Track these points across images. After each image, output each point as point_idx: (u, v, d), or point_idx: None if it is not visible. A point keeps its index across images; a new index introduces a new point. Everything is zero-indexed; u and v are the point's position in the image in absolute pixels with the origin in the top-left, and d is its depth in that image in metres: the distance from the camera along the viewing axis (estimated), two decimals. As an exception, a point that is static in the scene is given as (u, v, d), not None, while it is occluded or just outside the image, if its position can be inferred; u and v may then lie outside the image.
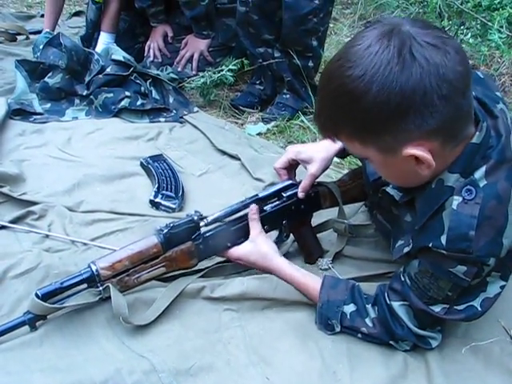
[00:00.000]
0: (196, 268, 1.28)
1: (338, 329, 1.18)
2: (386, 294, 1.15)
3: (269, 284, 1.24)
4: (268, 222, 1.34)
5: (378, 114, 0.90)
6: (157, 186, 1.67)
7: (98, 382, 1.03)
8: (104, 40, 2.55)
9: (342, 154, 1.37)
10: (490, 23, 2.28)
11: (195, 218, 1.23)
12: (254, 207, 1.30)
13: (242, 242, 1.30)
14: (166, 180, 1.70)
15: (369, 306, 1.17)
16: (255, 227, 1.30)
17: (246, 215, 1.31)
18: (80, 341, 1.12)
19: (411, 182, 1.06)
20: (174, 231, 1.21)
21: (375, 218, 1.33)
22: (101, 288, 1.14)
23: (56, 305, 1.12)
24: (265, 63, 2.33)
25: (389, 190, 1.14)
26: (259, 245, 1.28)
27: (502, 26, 2.19)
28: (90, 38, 2.64)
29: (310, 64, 2.30)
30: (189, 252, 1.23)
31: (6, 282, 1.22)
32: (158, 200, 1.61)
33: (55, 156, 1.84)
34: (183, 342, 1.15)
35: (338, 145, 1.30)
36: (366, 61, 0.88)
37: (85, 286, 1.15)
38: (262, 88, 2.45)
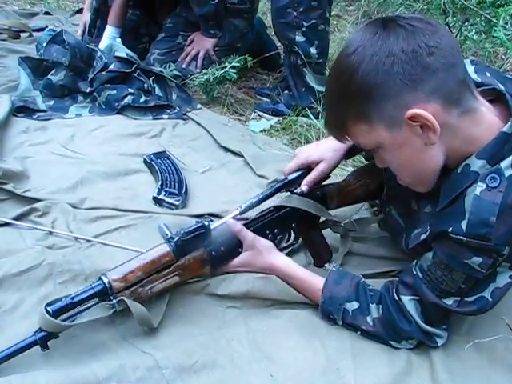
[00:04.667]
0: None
1: (339, 323, 1.19)
2: (393, 290, 1.15)
3: (274, 285, 1.24)
4: (278, 225, 1.33)
5: (374, 78, 0.95)
6: (160, 182, 1.67)
7: (101, 378, 1.03)
8: (109, 33, 2.56)
9: (349, 154, 1.38)
10: (494, 20, 2.27)
11: (205, 223, 1.20)
12: (232, 223, 1.27)
13: None
14: (169, 177, 1.70)
15: (373, 306, 1.16)
16: (245, 236, 1.27)
17: (255, 219, 1.32)
18: (83, 338, 1.12)
19: (424, 167, 1.06)
20: (185, 238, 1.18)
21: (388, 214, 1.33)
22: (114, 301, 1.10)
23: (69, 322, 1.06)
24: (267, 55, 2.33)
25: None
26: (256, 247, 1.27)
27: (506, 23, 2.18)
28: (94, 25, 2.66)
29: (299, 62, 2.25)
30: (201, 259, 1.20)
31: (9, 280, 1.22)
32: (161, 197, 1.61)
33: (59, 153, 1.84)
34: (186, 338, 1.15)
35: (346, 144, 1.30)
36: (356, 39, 0.99)
37: (96, 300, 1.11)
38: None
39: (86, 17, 2.72)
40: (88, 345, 1.11)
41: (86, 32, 2.72)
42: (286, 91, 2.37)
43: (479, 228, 0.98)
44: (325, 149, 1.36)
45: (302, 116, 2.26)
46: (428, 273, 1.09)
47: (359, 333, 1.18)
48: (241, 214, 1.29)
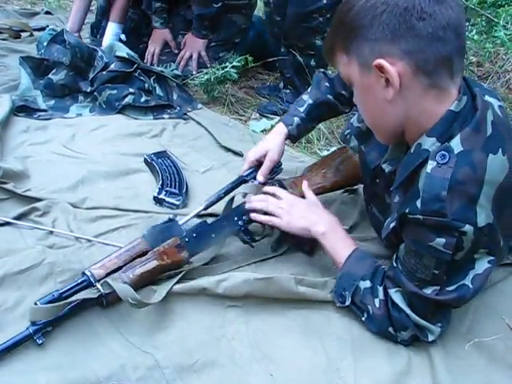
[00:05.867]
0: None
1: (347, 302, 1.20)
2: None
3: (274, 286, 1.23)
4: (245, 212, 1.38)
5: (363, 19, 0.99)
6: (161, 182, 1.67)
7: (101, 378, 1.03)
8: (112, 30, 2.57)
9: (291, 138, 1.54)
10: (495, 20, 2.26)
11: (171, 217, 1.34)
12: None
13: (227, 231, 1.37)
14: (169, 177, 1.70)
15: (380, 288, 1.17)
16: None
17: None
18: (83, 338, 1.12)
19: (380, 120, 1.10)
20: (155, 229, 1.30)
21: (371, 212, 1.38)
22: (98, 284, 1.15)
23: (57, 303, 1.10)
24: (270, 60, 2.33)
25: (384, 165, 1.20)
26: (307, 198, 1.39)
27: (507, 23, 2.17)
28: (98, 25, 2.66)
29: (312, 63, 2.27)
30: (176, 245, 1.28)
31: (10, 279, 1.22)
32: (161, 196, 1.61)
33: (59, 153, 1.84)
34: (187, 338, 1.15)
35: (284, 131, 1.51)
36: None
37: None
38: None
39: (73, 22, 2.69)
40: (88, 345, 1.11)
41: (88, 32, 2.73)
42: (289, 90, 2.37)
43: (432, 204, 0.99)
44: (267, 140, 1.53)
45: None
46: (404, 263, 1.11)
47: (364, 317, 1.18)
48: (205, 209, 1.41)
